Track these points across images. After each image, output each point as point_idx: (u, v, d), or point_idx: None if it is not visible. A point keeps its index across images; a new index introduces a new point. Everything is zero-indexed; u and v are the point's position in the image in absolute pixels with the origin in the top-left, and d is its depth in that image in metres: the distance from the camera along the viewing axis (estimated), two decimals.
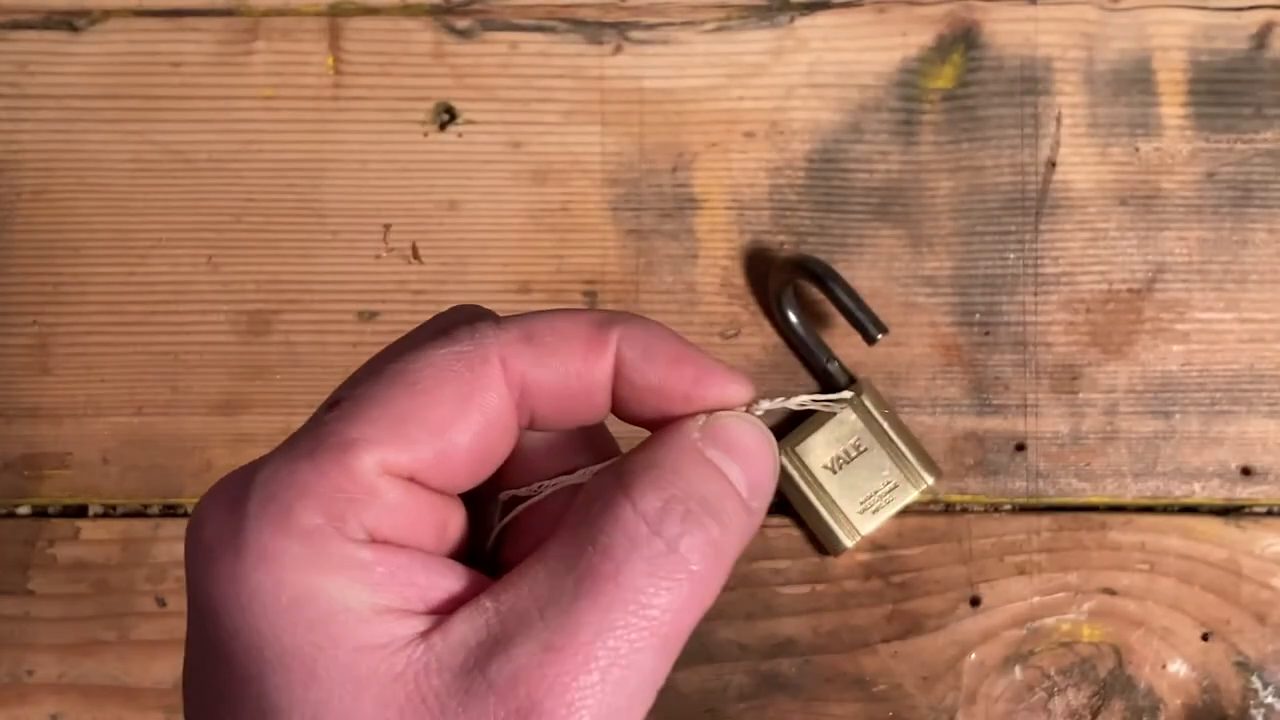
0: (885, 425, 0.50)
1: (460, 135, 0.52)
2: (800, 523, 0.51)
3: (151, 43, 0.52)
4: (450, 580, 0.25)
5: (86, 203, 0.52)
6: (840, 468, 0.50)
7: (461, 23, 0.52)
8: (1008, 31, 0.52)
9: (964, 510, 0.51)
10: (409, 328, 0.28)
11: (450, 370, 0.26)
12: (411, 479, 0.25)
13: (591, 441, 0.29)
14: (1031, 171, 0.52)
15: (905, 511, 0.50)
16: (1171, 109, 0.52)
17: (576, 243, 0.52)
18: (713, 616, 0.51)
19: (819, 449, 0.50)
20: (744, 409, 0.27)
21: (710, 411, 0.27)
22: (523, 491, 0.28)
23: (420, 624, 0.24)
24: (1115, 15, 0.52)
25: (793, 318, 0.50)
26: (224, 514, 0.25)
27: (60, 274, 0.52)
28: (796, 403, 0.29)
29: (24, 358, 0.52)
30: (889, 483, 0.50)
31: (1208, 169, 0.52)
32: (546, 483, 0.27)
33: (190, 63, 0.52)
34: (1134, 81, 0.52)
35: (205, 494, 0.26)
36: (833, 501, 0.49)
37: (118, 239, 0.52)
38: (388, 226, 0.52)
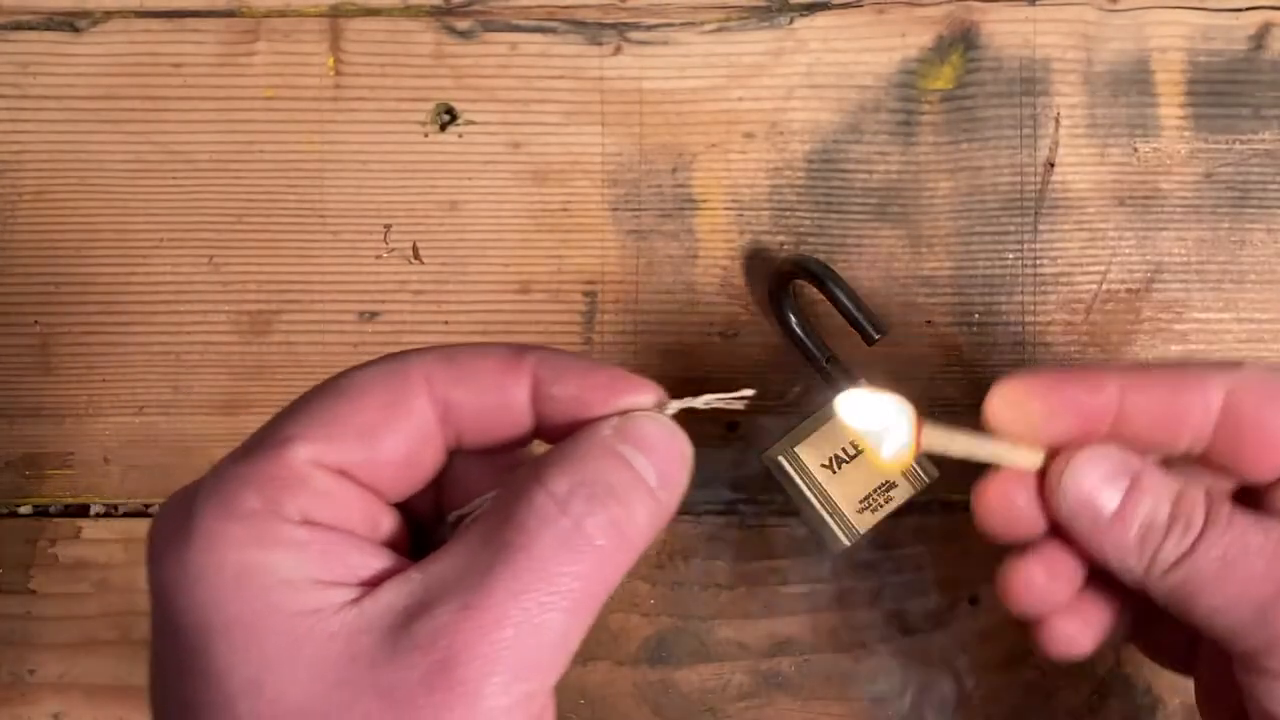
0: None
1: (460, 136, 0.52)
2: (800, 522, 0.51)
3: (153, 44, 0.53)
4: (381, 561, 0.28)
5: (88, 203, 0.52)
6: (839, 467, 0.50)
7: (462, 24, 0.52)
8: (1007, 32, 0.52)
9: (963, 509, 0.51)
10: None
11: (377, 383, 0.30)
12: (342, 473, 0.29)
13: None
14: (1030, 172, 0.52)
15: (904, 511, 0.50)
16: (1170, 110, 0.52)
17: (576, 243, 0.52)
18: (712, 615, 0.51)
19: (817, 449, 0.50)
20: (655, 410, 0.30)
21: (623, 414, 0.30)
22: (467, 509, 0.31)
23: (352, 593, 0.27)
24: (1114, 16, 0.52)
25: (792, 318, 0.50)
26: (177, 511, 0.28)
27: (62, 274, 0.52)
28: (702, 401, 0.32)
29: (25, 358, 0.52)
30: (888, 482, 0.50)
31: (1206, 169, 0.52)
32: (487, 496, 0.31)
33: (191, 63, 0.53)
34: (1132, 82, 0.52)
35: (164, 501, 0.29)
36: (831, 501, 0.50)
37: (119, 239, 0.52)
38: (388, 227, 0.52)
